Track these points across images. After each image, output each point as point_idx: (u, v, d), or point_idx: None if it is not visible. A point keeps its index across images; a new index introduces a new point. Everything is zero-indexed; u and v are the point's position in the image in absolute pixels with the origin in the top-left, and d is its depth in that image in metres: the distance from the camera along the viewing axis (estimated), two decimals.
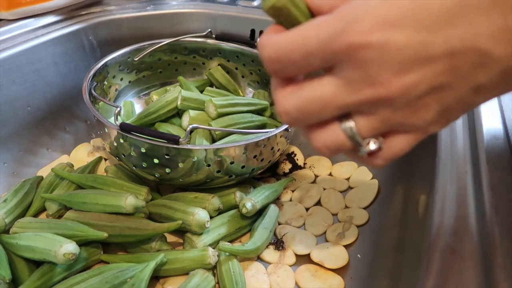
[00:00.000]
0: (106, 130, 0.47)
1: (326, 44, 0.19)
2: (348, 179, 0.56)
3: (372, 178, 0.54)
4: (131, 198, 0.44)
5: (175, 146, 0.43)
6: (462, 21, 0.18)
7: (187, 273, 0.42)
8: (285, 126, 0.48)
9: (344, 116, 0.22)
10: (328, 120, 0.23)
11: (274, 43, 0.21)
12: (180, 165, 0.45)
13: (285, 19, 0.22)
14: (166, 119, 0.58)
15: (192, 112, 0.56)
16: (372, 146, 0.23)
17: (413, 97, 0.20)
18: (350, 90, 0.20)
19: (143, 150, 0.44)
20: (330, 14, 0.20)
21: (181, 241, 0.47)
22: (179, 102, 0.56)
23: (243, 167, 0.47)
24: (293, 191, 0.54)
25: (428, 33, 0.18)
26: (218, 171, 0.46)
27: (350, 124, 0.22)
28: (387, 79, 0.19)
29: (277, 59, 0.21)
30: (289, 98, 0.22)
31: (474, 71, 0.19)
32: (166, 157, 0.44)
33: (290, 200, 0.53)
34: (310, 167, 0.58)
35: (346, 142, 0.23)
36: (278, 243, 0.47)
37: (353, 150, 0.23)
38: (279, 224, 0.50)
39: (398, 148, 0.24)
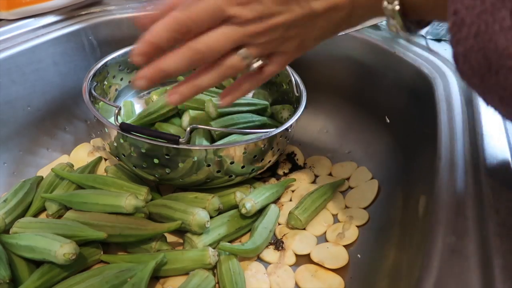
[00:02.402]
0: (106, 130, 0.47)
1: None
2: (348, 179, 0.56)
3: (372, 178, 0.54)
4: (131, 198, 0.44)
5: (175, 146, 0.43)
6: None
7: (187, 273, 0.42)
8: (285, 126, 0.48)
9: (236, 48, 0.33)
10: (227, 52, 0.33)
11: None
12: (180, 165, 0.45)
13: None
14: (166, 119, 0.58)
15: (192, 112, 0.56)
16: (260, 62, 0.35)
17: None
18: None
19: (143, 150, 0.44)
20: None
21: (181, 241, 0.47)
22: None
23: (243, 167, 0.47)
24: (293, 191, 0.54)
25: None
26: (218, 171, 0.46)
27: (244, 50, 0.33)
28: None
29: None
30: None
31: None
32: (166, 157, 0.44)
33: (290, 200, 0.53)
34: (310, 167, 0.58)
35: (241, 62, 0.34)
36: (278, 243, 0.47)
37: (246, 67, 0.34)
38: (279, 224, 0.50)
39: (277, 64, 0.36)
